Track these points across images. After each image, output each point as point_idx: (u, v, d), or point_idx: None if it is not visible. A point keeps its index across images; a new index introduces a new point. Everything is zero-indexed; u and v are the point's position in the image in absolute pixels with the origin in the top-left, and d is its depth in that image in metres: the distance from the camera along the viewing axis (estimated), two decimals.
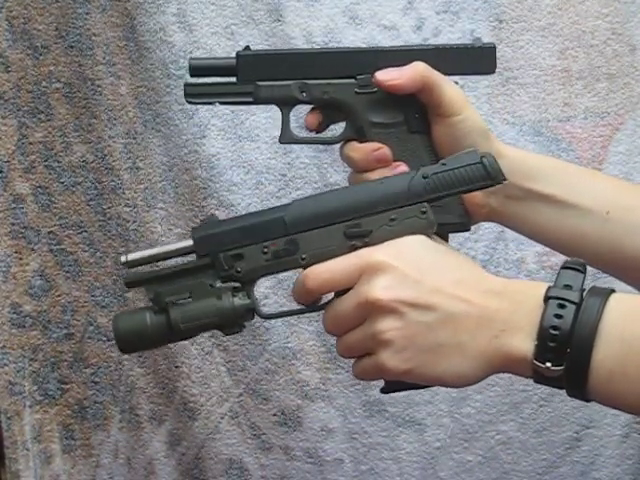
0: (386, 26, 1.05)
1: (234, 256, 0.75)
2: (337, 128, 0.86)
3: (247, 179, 1.05)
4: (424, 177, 0.74)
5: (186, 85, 0.85)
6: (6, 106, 1.07)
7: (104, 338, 1.09)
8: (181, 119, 1.05)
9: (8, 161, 1.07)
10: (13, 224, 1.08)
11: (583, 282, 0.70)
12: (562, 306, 0.67)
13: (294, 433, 1.08)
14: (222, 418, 1.09)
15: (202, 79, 0.85)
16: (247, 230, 0.75)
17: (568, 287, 0.69)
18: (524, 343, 0.67)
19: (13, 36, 1.05)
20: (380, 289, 0.70)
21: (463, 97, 0.82)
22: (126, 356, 1.09)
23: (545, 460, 1.10)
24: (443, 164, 0.74)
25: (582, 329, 0.66)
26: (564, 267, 0.71)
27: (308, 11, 1.04)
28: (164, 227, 1.06)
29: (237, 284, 0.75)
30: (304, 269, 0.74)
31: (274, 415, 1.08)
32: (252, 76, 0.84)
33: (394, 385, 0.76)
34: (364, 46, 0.93)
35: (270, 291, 1.06)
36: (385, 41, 1.04)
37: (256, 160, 1.05)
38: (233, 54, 0.84)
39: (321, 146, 1.04)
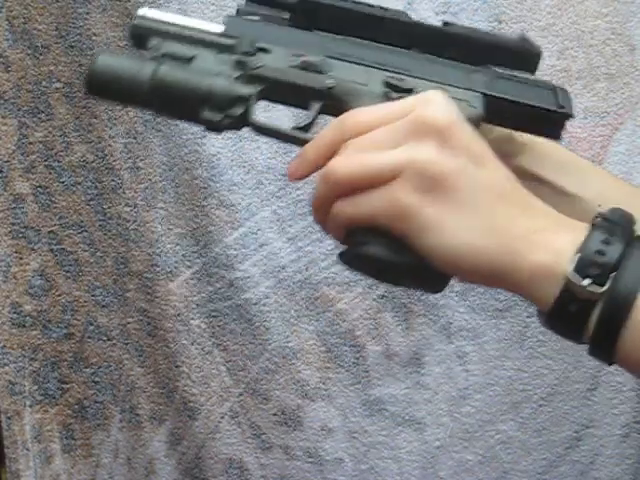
0: None
1: (262, 48, 0.66)
2: None
3: (247, 179, 1.06)
4: (489, 74, 0.67)
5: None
6: (6, 106, 1.07)
7: (104, 338, 1.09)
8: None
9: (8, 161, 1.07)
10: (13, 224, 1.08)
11: (633, 228, 0.61)
12: (612, 233, 0.59)
13: (294, 432, 1.08)
14: (222, 418, 1.09)
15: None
16: (286, 33, 0.67)
17: (615, 223, 0.60)
18: (562, 255, 0.58)
19: (13, 36, 1.06)
20: (439, 114, 0.60)
21: None
22: (126, 356, 1.09)
23: (545, 459, 1.10)
24: (514, 75, 0.68)
25: (632, 264, 0.57)
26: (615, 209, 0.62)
27: None
28: (164, 227, 1.07)
29: (245, 77, 0.66)
30: (326, 103, 0.64)
31: (274, 414, 1.08)
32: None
33: (357, 258, 0.64)
34: None
35: (271, 291, 1.06)
36: None
37: (256, 160, 1.06)
38: None
39: None
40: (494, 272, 0.59)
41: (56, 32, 1.05)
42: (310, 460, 1.08)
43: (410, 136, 0.60)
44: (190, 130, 1.04)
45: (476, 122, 0.64)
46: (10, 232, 1.08)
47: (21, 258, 1.08)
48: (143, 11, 0.68)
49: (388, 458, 1.09)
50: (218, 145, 1.05)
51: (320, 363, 1.08)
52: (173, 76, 0.64)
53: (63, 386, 1.10)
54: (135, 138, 1.06)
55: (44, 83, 1.06)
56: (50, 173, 1.08)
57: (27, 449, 1.10)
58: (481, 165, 0.60)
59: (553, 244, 0.59)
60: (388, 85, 0.65)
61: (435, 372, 1.06)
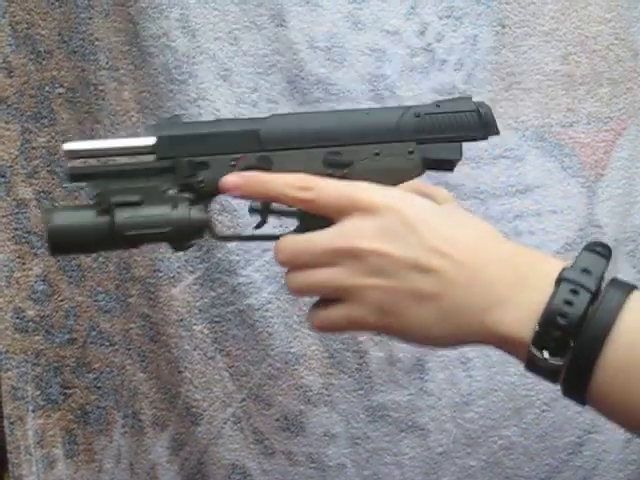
0: (389, 31, 1.05)
1: (200, 163, 0.68)
2: None
3: None
4: (416, 115, 0.69)
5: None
6: (9, 111, 1.07)
7: (107, 343, 1.09)
8: None
9: (11, 166, 1.07)
10: (16, 229, 1.08)
11: (604, 270, 0.63)
12: (575, 292, 0.60)
13: (297, 438, 1.08)
14: (225, 423, 1.09)
15: None
16: (217, 138, 0.68)
17: (586, 272, 0.61)
18: (523, 324, 0.61)
19: (16, 41, 1.06)
20: (369, 237, 0.64)
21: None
22: (129, 361, 1.09)
23: (548, 465, 1.09)
24: (437, 105, 0.70)
25: (594, 323, 0.59)
26: (586, 248, 0.64)
27: (311, 16, 1.04)
28: None
29: (193, 196, 0.68)
30: None
31: (277, 420, 1.08)
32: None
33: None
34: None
35: (273, 296, 1.06)
36: (388, 46, 1.04)
37: None
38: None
39: None
40: (461, 344, 0.65)
41: (59, 37, 1.05)
42: (313, 466, 1.08)
43: (341, 259, 0.65)
44: None
45: (413, 173, 0.68)
46: (13, 237, 1.08)
47: (24, 263, 1.08)
48: (67, 146, 0.68)
49: (391, 464, 1.08)
50: None
51: (323, 369, 1.07)
52: (131, 224, 0.66)
53: (66, 391, 1.10)
54: None
55: (47, 88, 1.06)
56: (53, 178, 1.08)
57: (30, 454, 1.10)
58: (418, 268, 0.63)
59: (504, 321, 0.61)
60: (328, 164, 0.68)
61: (438, 378, 1.06)
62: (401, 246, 0.64)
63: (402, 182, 0.70)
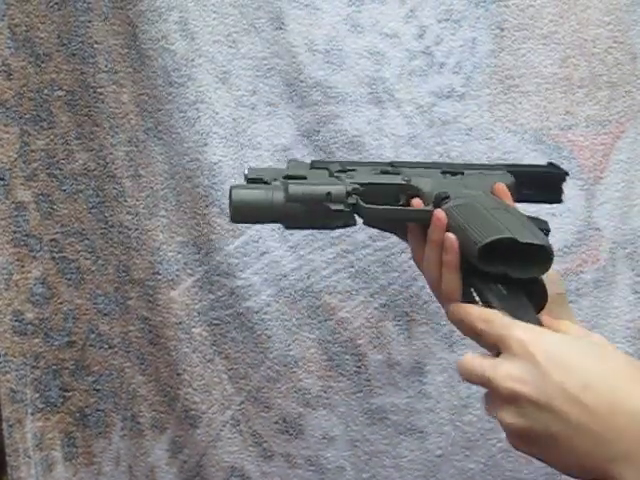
0: (388, 34, 1.05)
1: (349, 169, 0.87)
2: None
3: None
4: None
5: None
6: (8, 114, 1.07)
7: (106, 346, 1.09)
8: (183, 127, 1.05)
9: (10, 169, 1.07)
10: (15, 232, 1.08)
11: None
12: None
13: (295, 441, 1.08)
14: (224, 426, 1.09)
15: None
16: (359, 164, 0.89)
17: None
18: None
19: (15, 44, 1.06)
20: (505, 377, 0.68)
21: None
22: (128, 363, 1.09)
23: (546, 467, 1.09)
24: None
25: None
26: None
27: (310, 19, 1.04)
28: (166, 235, 1.07)
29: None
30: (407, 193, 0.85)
31: (275, 423, 1.08)
32: None
33: None
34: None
35: (272, 299, 1.06)
36: (387, 49, 1.05)
37: None
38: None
39: (322, 153, 1.04)
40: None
41: (58, 40, 1.05)
42: (311, 468, 1.08)
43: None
44: (191, 138, 1.04)
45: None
46: (12, 240, 1.08)
47: (23, 266, 1.08)
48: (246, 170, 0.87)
49: (390, 467, 1.08)
50: (219, 153, 1.05)
51: (321, 372, 1.07)
52: (301, 189, 0.83)
53: (65, 394, 1.10)
54: (137, 146, 1.06)
55: (46, 91, 1.06)
56: (52, 181, 1.08)
57: (29, 457, 1.10)
58: (550, 410, 0.66)
59: (634, 475, 0.63)
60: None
61: (437, 381, 1.06)
62: (533, 385, 0.67)
63: None
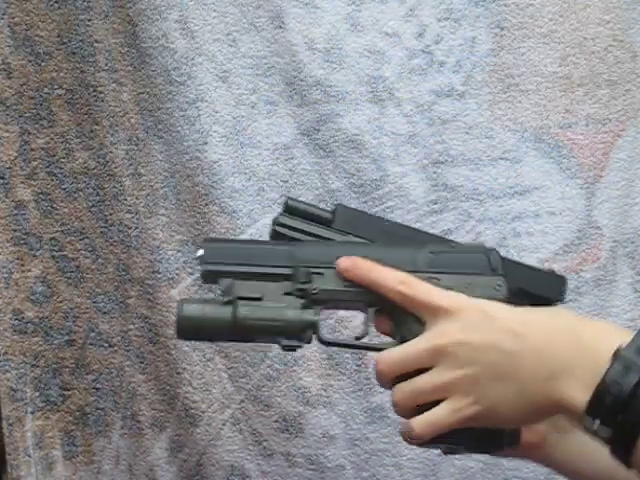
0: (388, 33, 1.05)
1: (315, 273, 0.79)
2: None
3: (249, 185, 1.06)
4: (431, 252, 0.79)
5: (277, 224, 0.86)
6: (8, 112, 1.07)
7: (106, 344, 1.09)
8: (183, 126, 1.05)
9: (10, 167, 1.07)
10: (15, 230, 1.08)
11: None
12: (627, 370, 0.66)
13: (295, 439, 1.08)
14: (224, 424, 1.09)
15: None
16: (333, 254, 0.79)
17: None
18: (579, 394, 0.67)
19: (15, 42, 1.06)
20: (453, 333, 0.72)
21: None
22: (128, 362, 1.09)
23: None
24: (452, 246, 0.81)
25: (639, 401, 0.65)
26: None
27: (310, 18, 1.04)
28: (166, 233, 1.07)
29: (307, 302, 0.78)
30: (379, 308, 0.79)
31: (275, 421, 1.08)
32: (346, 229, 0.85)
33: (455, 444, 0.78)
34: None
35: None
36: (386, 48, 1.05)
37: (258, 167, 1.06)
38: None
39: (322, 152, 1.04)
40: (538, 420, 0.74)
41: (58, 39, 1.05)
42: (312, 467, 1.08)
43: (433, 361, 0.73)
44: (191, 137, 1.04)
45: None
46: (12, 239, 1.08)
47: (23, 265, 1.08)
48: (200, 252, 0.82)
49: (390, 465, 1.08)
50: (219, 152, 1.05)
51: (321, 370, 1.07)
52: (251, 316, 0.77)
53: (64, 393, 1.10)
54: (137, 145, 1.06)
55: (46, 90, 1.06)
56: (52, 180, 1.08)
57: (29, 456, 1.10)
58: (496, 349, 0.71)
59: (565, 389, 0.68)
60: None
61: None
62: (480, 333, 0.71)
63: None
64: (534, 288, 0.85)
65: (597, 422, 0.66)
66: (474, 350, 0.71)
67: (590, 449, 0.81)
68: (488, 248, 0.80)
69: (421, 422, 0.74)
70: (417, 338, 0.75)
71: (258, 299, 0.77)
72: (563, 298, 0.87)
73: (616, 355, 0.67)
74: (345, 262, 0.77)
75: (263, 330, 0.77)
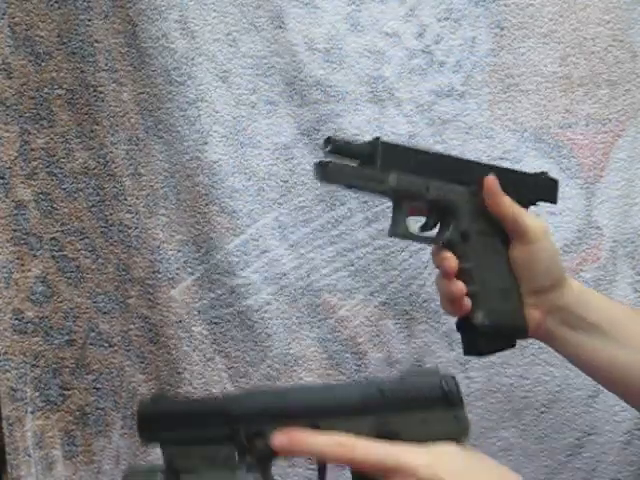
0: (387, 33, 1.05)
1: (256, 433, 0.74)
2: None
3: (249, 185, 1.06)
4: (380, 390, 0.74)
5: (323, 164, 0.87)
6: (8, 112, 1.07)
7: (106, 344, 1.09)
8: (183, 126, 1.05)
9: (10, 167, 1.07)
10: (15, 230, 1.08)
11: None
12: None
13: None
14: None
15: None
16: (271, 411, 0.75)
17: None
18: None
19: (15, 42, 1.06)
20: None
21: (543, 230, 0.90)
22: (128, 362, 1.09)
23: (547, 467, 1.09)
24: (402, 378, 0.76)
25: None
26: None
27: (310, 18, 1.05)
28: (166, 233, 1.07)
29: (253, 461, 0.74)
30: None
31: None
32: (390, 165, 0.88)
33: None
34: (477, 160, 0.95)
35: (272, 298, 1.06)
36: (386, 48, 1.05)
37: (258, 166, 1.06)
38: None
39: (322, 152, 1.04)
40: None
41: (58, 39, 1.05)
42: (311, 467, 1.08)
43: None
44: (191, 137, 1.04)
45: (462, 437, 0.75)
46: (12, 239, 1.08)
47: (23, 265, 1.08)
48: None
49: None
50: (219, 152, 1.05)
51: (322, 370, 1.07)
52: None
53: (65, 392, 1.10)
54: (137, 145, 1.06)
55: (46, 90, 1.06)
56: (52, 180, 1.08)
57: (29, 455, 1.10)
58: None
59: None
60: (378, 434, 0.73)
61: None
62: None
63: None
64: (531, 193, 0.93)
65: None
66: None
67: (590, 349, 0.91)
68: (441, 377, 0.75)
69: None
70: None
71: (200, 467, 0.74)
72: (556, 200, 0.95)
73: None
74: (280, 438, 0.74)
75: None
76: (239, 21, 1.05)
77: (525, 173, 0.94)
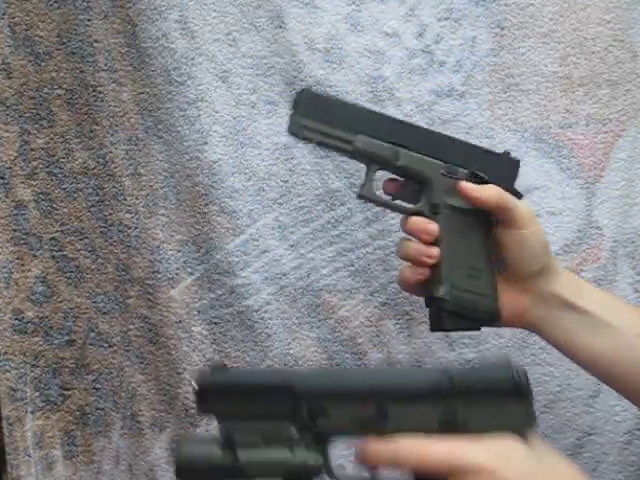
0: (387, 33, 1.05)
1: (319, 409, 0.73)
2: None
3: (249, 185, 1.06)
4: (449, 378, 0.72)
5: (295, 115, 0.91)
6: (8, 112, 1.07)
7: (105, 344, 1.09)
8: (183, 125, 1.05)
9: (10, 167, 1.07)
10: (15, 230, 1.08)
11: None
12: None
13: None
14: None
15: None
16: (336, 390, 0.73)
17: None
18: None
19: (15, 42, 1.06)
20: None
21: (532, 215, 0.89)
22: (128, 362, 1.09)
23: None
24: (473, 369, 0.77)
25: None
26: None
27: (310, 18, 1.04)
28: (166, 233, 1.07)
29: (313, 439, 0.73)
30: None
31: None
32: (356, 128, 0.90)
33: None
34: (456, 137, 0.95)
35: (272, 297, 1.06)
36: (386, 48, 1.05)
37: (258, 166, 1.06)
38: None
39: (322, 152, 1.04)
40: None
41: (58, 39, 1.05)
42: None
43: None
44: (191, 137, 1.04)
45: (528, 429, 0.72)
46: (12, 239, 1.08)
47: (22, 265, 1.08)
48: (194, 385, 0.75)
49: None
50: (219, 152, 1.05)
51: None
52: (252, 462, 0.71)
53: (65, 393, 1.10)
54: (136, 145, 1.06)
55: (46, 90, 1.06)
56: (52, 180, 1.08)
57: (29, 455, 1.10)
58: None
59: None
60: (443, 422, 0.72)
61: None
62: None
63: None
64: (487, 171, 0.92)
65: None
66: None
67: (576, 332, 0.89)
68: (514, 370, 0.73)
69: None
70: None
71: (258, 443, 0.72)
72: (513, 183, 0.93)
73: None
74: (359, 454, 0.74)
75: (267, 475, 0.72)
76: (239, 21, 1.05)
77: (488, 151, 0.95)
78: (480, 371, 0.73)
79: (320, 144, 0.91)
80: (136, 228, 1.07)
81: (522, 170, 1.04)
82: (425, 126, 0.97)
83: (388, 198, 0.93)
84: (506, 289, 0.91)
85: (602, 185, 1.06)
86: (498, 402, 0.72)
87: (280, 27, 1.04)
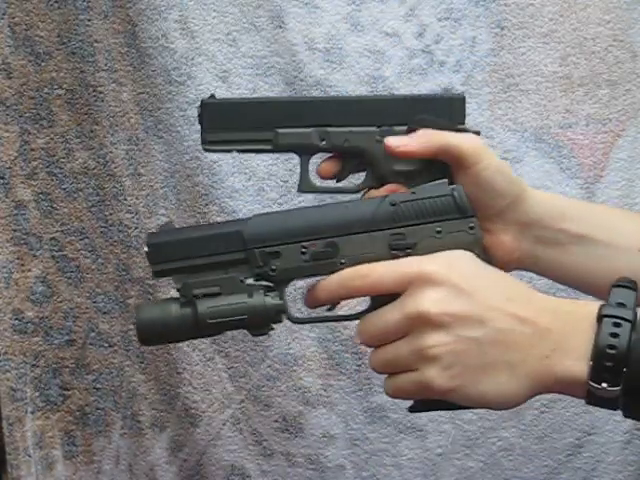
0: (388, 33, 1.05)
1: (271, 253, 0.73)
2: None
3: (249, 185, 1.06)
4: (392, 204, 0.74)
5: (204, 132, 0.85)
6: (8, 112, 1.07)
7: (106, 344, 1.09)
8: (183, 125, 1.05)
9: (10, 167, 1.07)
10: (15, 230, 1.08)
11: (636, 300, 0.69)
12: (617, 324, 0.66)
13: (295, 439, 1.08)
14: (224, 424, 1.09)
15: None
16: (286, 229, 0.74)
17: (621, 305, 0.68)
18: (577, 364, 0.67)
19: (15, 42, 1.06)
20: (430, 302, 0.68)
21: (480, 145, 0.79)
22: (128, 362, 1.09)
23: (547, 466, 1.10)
24: (413, 192, 0.74)
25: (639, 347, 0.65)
26: (615, 285, 0.70)
27: (310, 17, 1.04)
28: None
29: (269, 283, 0.73)
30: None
31: (275, 421, 1.08)
32: (270, 123, 0.83)
33: (426, 404, 0.73)
34: (383, 94, 0.92)
35: None
36: (386, 48, 1.05)
37: (258, 167, 1.06)
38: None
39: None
40: (526, 400, 0.70)
41: (58, 39, 1.05)
42: (311, 467, 1.08)
43: (408, 328, 0.70)
44: (191, 137, 1.04)
45: (475, 246, 0.74)
46: (12, 239, 1.08)
47: (23, 265, 1.08)
48: (146, 248, 0.75)
49: (390, 465, 1.08)
50: None
51: (321, 370, 1.07)
52: (213, 314, 0.72)
53: (65, 392, 1.10)
54: (136, 145, 1.06)
55: (46, 90, 1.06)
56: (52, 180, 1.08)
57: (29, 455, 1.10)
58: (482, 324, 0.69)
59: (563, 363, 0.67)
60: (393, 247, 0.73)
61: None
62: (461, 304, 0.69)
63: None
64: (434, 114, 0.82)
65: (604, 385, 0.66)
66: (456, 320, 0.68)
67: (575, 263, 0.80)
68: (452, 187, 0.73)
69: (389, 387, 0.72)
70: (392, 304, 0.70)
71: (217, 294, 0.73)
72: (464, 121, 0.83)
73: (601, 316, 0.67)
74: (309, 299, 0.75)
75: (229, 325, 0.72)
76: (239, 21, 1.05)
77: (424, 97, 0.87)
78: (419, 193, 0.74)
79: (241, 152, 0.85)
80: (136, 228, 1.07)
81: (522, 170, 1.05)
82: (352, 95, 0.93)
83: (331, 183, 0.85)
84: (488, 236, 0.79)
85: (602, 185, 1.06)
86: (442, 220, 0.73)
87: (280, 27, 1.04)
